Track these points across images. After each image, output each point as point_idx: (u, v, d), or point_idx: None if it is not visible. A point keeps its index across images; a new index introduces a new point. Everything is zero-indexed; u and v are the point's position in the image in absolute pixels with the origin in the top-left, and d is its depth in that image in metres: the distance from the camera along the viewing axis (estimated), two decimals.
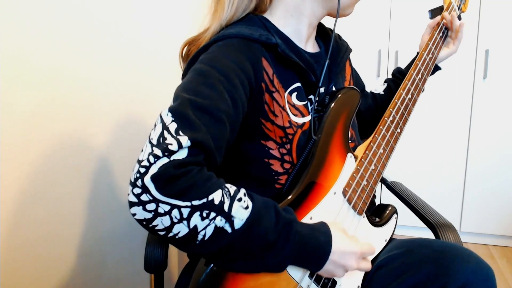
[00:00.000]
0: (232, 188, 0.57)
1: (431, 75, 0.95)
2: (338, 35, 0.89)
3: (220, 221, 0.54)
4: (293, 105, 0.71)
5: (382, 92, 1.02)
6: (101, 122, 1.04)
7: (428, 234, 0.88)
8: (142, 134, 1.21)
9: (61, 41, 0.89)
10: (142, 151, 0.54)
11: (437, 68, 0.99)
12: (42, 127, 0.86)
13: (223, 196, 0.55)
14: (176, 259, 1.47)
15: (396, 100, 0.81)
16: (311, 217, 0.67)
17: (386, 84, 1.03)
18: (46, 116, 0.87)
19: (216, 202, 0.54)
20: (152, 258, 0.83)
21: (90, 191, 1.02)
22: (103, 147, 1.06)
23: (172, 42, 1.28)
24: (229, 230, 0.55)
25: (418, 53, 1.00)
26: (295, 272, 0.65)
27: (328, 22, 0.85)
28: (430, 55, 0.92)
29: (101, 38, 1.02)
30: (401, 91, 0.83)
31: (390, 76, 1.06)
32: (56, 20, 0.87)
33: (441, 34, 0.96)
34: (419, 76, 0.87)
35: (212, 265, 0.60)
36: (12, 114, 0.78)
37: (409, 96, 0.84)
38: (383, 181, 1.21)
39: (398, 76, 1.01)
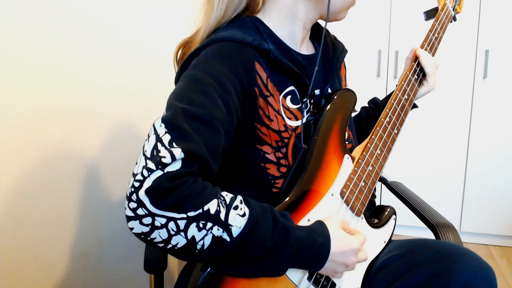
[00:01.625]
0: (228, 196, 0.57)
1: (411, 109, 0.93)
2: (334, 36, 0.89)
3: (217, 231, 0.54)
4: (288, 109, 0.71)
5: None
6: (100, 123, 1.04)
7: (428, 234, 0.88)
8: (141, 135, 1.20)
9: (60, 42, 0.89)
10: (136, 163, 0.53)
11: (413, 105, 0.95)
12: (41, 128, 0.86)
13: (218, 205, 0.54)
14: (176, 259, 1.47)
15: (392, 101, 0.81)
16: (308, 219, 0.67)
17: (357, 111, 1.02)
18: (45, 117, 0.86)
19: (212, 211, 0.53)
20: (152, 258, 0.83)
21: (89, 192, 1.02)
22: (102, 148, 1.06)
23: (172, 44, 1.28)
24: (227, 238, 0.54)
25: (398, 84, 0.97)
26: (294, 275, 0.65)
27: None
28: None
29: (101, 40, 1.02)
30: (397, 92, 0.83)
31: (387, 82, 1.04)
32: (56, 21, 0.87)
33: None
34: (415, 76, 0.87)
35: (208, 269, 0.60)
36: (11, 115, 0.78)
37: (405, 96, 0.84)
38: (383, 181, 1.21)
39: (372, 106, 0.99)
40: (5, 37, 0.76)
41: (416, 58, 0.89)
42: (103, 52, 1.03)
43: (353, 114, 1.01)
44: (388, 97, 0.97)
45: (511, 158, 2.04)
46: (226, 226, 0.54)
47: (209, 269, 0.59)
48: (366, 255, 0.69)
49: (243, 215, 0.56)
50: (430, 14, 1.00)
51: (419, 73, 0.89)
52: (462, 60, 2.03)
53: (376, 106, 0.98)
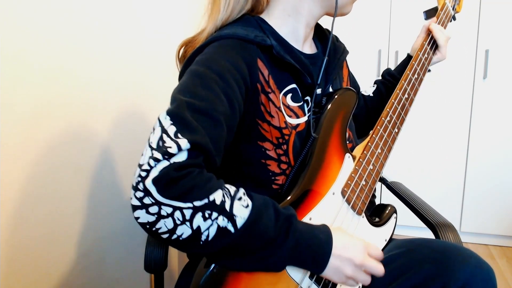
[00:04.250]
0: (231, 188, 0.58)
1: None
2: (336, 36, 0.89)
3: (222, 221, 0.54)
4: (288, 107, 0.71)
5: (372, 94, 1.02)
6: (101, 121, 1.04)
7: (428, 234, 0.88)
8: (142, 133, 1.21)
9: (61, 40, 0.89)
10: (142, 155, 0.54)
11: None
12: (42, 126, 0.86)
13: (223, 196, 0.55)
14: (176, 259, 1.47)
15: (392, 100, 0.82)
16: (310, 218, 0.67)
17: (375, 85, 1.03)
18: (46, 116, 0.87)
19: (218, 202, 0.54)
20: (152, 258, 0.83)
21: (90, 191, 1.02)
22: (103, 147, 1.06)
23: (172, 42, 1.28)
24: (232, 229, 0.55)
25: (408, 54, 1.00)
26: (295, 273, 0.64)
27: (326, 22, 0.85)
28: (426, 55, 0.92)
29: (101, 38, 1.02)
30: (398, 91, 0.83)
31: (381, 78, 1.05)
32: (56, 20, 0.87)
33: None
34: (415, 76, 0.88)
35: (212, 267, 0.60)
36: (12, 113, 0.78)
37: (406, 96, 0.84)
38: (383, 181, 1.21)
39: (388, 78, 1.01)
40: (5, 36, 0.76)
41: (423, 46, 0.91)
42: (103, 51, 1.03)
43: (371, 90, 1.03)
44: (401, 66, 0.99)
45: (511, 158, 2.04)
46: (231, 217, 0.55)
47: (212, 266, 0.60)
48: (380, 266, 0.65)
49: (247, 206, 0.57)
50: (430, 13, 1.01)
51: (420, 73, 0.89)
52: (462, 60, 2.03)
53: (393, 78, 1.00)
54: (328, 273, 0.62)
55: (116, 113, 1.10)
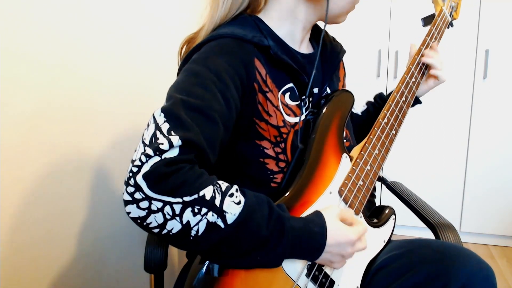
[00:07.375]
0: (224, 184, 0.58)
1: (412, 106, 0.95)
2: (333, 37, 0.90)
3: (212, 216, 0.55)
4: (286, 105, 0.72)
5: (360, 113, 1.02)
6: (100, 122, 1.04)
7: (428, 234, 0.88)
8: (141, 134, 1.20)
9: (62, 40, 0.89)
10: (135, 151, 0.55)
11: (417, 101, 0.98)
12: (42, 127, 0.86)
13: (214, 192, 0.55)
14: (176, 259, 1.47)
15: (390, 103, 0.82)
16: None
17: (366, 106, 1.04)
18: (46, 117, 0.87)
19: (207, 197, 0.54)
20: (152, 258, 0.83)
21: (89, 191, 1.02)
22: (103, 147, 1.06)
23: (174, 43, 1.28)
24: (222, 225, 0.55)
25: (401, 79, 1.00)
26: (292, 271, 0.65)
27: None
28: (421, 65, 0.92)
29: (101, 39, 1.02)
30: (395, 93, 0.84)
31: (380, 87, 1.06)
32: (57, 19, 0.87)
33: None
34: (413, 79, 0.88)
35: (207, 264, 0.60)
36: (12, 114, 0.79)
37: (403, 99, 0.85)
38: (383, 181, 1.21)
39: (379, 102, 1.02)
40: (6, 34, 0.76)
41: (415, 62, 0.90)
42: (105, 51, 1.03)
43: (360, 110, 1.03)
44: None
45: (511, 158, 2.04)
46: (220, 213, 0.55)
47: (207, 262, 0.60)
48: (364, 244, 0.68)
49: (238, 203, 0.57)
50: (428, 20, 1.02)
51: (417, 76, 0.90)
52: (462, 60, 2.03)
53: (382, 101, 1.01)
54: (317, 261, 0.65)
55: (116, 113, 1.10)
